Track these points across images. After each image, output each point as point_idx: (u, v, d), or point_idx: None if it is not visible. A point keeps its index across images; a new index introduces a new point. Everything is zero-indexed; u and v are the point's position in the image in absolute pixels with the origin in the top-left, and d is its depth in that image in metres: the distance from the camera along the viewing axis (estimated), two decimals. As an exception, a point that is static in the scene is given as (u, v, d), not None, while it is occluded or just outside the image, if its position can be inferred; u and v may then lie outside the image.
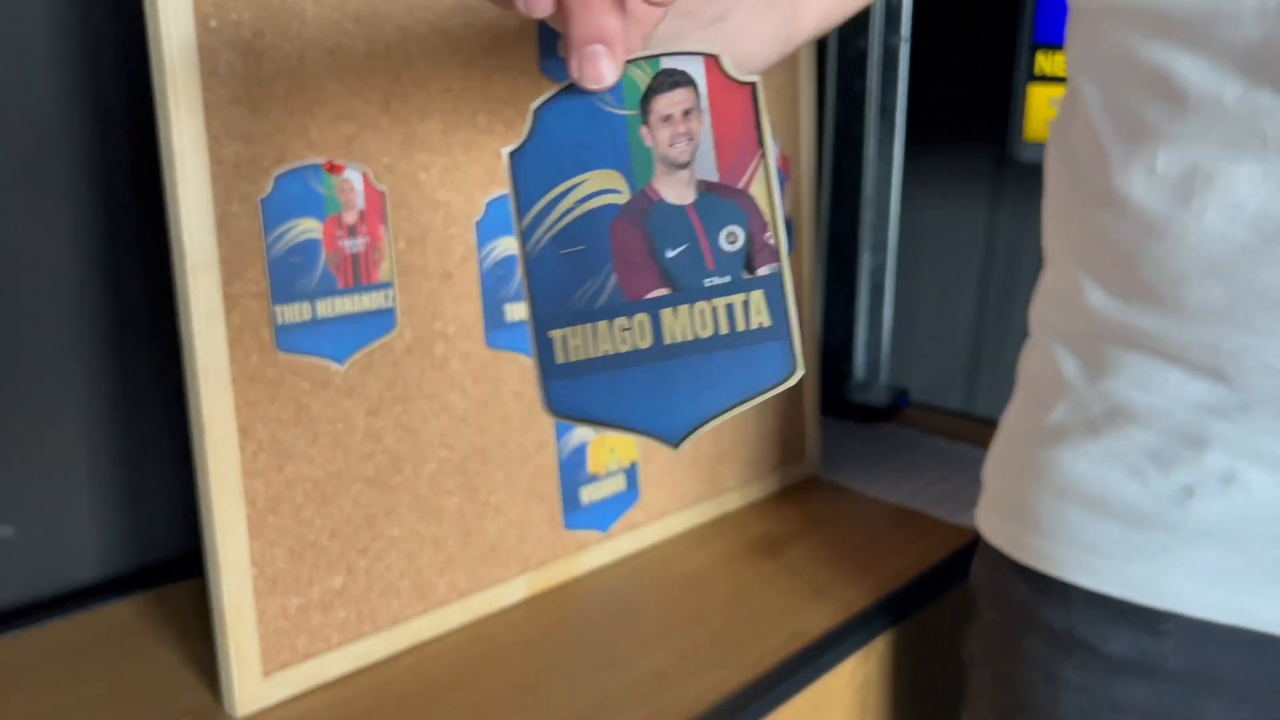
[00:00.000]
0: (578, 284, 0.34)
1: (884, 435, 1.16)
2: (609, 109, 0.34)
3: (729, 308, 0.33)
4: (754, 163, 0.33)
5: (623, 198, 0.34)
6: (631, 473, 0.82)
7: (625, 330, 0.34)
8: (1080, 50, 0.57)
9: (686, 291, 0.33)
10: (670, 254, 0.34)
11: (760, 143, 0.33)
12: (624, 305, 0.33)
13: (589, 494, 0.79)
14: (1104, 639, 0.55)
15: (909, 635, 0.75)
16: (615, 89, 0.34)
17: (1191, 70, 0.49)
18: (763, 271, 0.33)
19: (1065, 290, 0.58)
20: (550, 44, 0.73)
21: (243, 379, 0.59)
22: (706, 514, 0.89)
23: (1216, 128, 0.49)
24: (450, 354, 0.69)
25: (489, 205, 0.70)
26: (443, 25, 0.66)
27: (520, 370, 0.73)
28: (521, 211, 0.34)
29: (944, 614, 0.78)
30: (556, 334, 0.34)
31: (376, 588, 0.67)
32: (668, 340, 0.33)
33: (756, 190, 0.33)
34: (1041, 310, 0.61)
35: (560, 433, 0.77)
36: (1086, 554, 0.55)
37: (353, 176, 0.63)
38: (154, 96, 0.55)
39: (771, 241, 0.33)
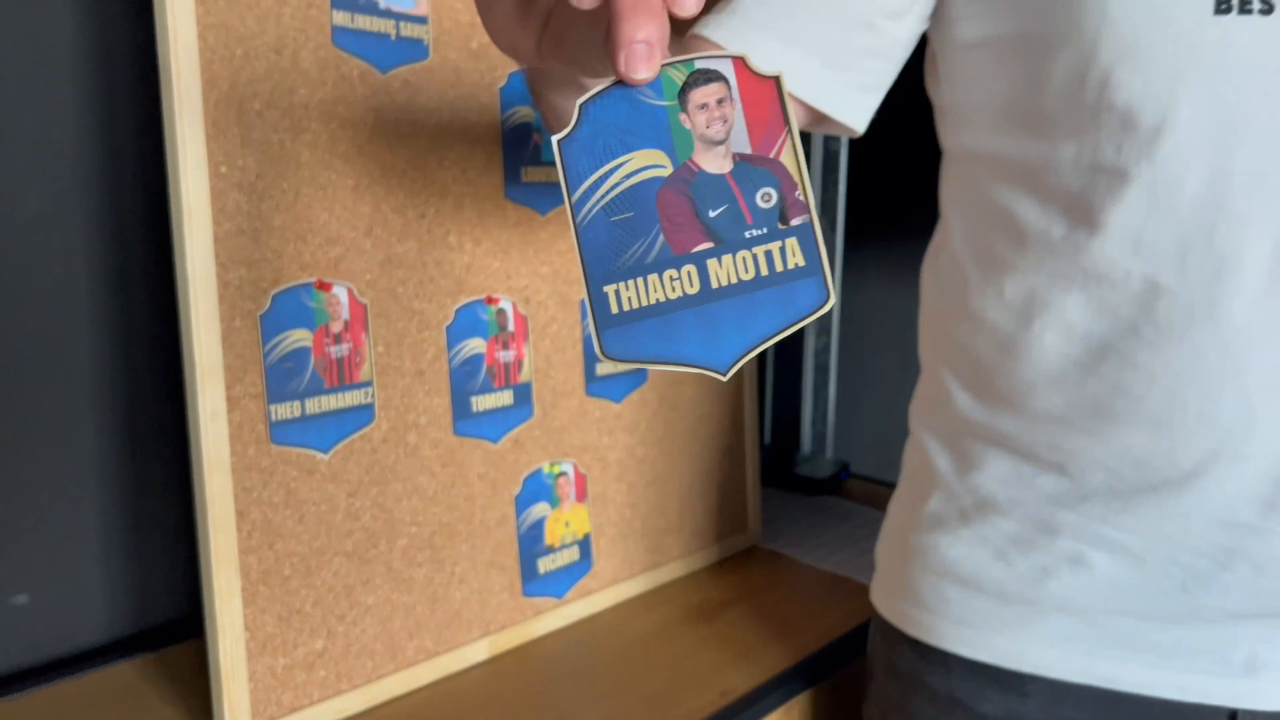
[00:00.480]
0: (628, 245, 0.38)
1: (825, 506, 1.25)
2: (650, 101, 0.38)
3: (768, 253, 0.38)
4: (781, 137, 0.38)
5: (666, 171, 0.38)
6: (585, 544, 0.92)
7: (674, 279, 0.38)
8: (950, 188, 0.69)
9: (729, 243, 0.38)
10: (712, 214, 0.38)
11: (786, 121, 0.38)
12: (672, 259, 0.38)
13: (545, 564, 0.88)
14: (979, 700, 0.65)
15: (825, 694, 0.84)
16: (655, 84, 0.38)
17: (1029, 212, 0.60)
18: (795, 222, 0.37)
19: (937, 394, 0.68)
20: (514, 173, 0.83)
21: (241, 468, 0.68)
22: (654, 581, 0.98)
23: (1049, 262, 0.60)
24: (421, 442, 0.79)
25: (458, 311, 0.81)
26: (419, 161, 0.77)
27: (483, 454, 0.83)
28: (571, 188, 0.38)
29: (857, 675, 0.87)
30: (610, 288, 0.38)
31: (353, 649, 0.75)
32: (714, 285, 0.38)
33: (785, 159, 0.38)
34: (918, 411, 0.71)
35: (519, 509, 0.86)
36: (962, 627, 0.65)
37: (339, 292, 0.73)
38: (171, 232, 0.65)
39: (801, 198, 0.38)
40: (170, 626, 0.87)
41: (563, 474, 0.89)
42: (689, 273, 0.38)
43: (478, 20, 0.80)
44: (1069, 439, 0.61)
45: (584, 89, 0.49)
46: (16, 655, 0.79)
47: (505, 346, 0.84)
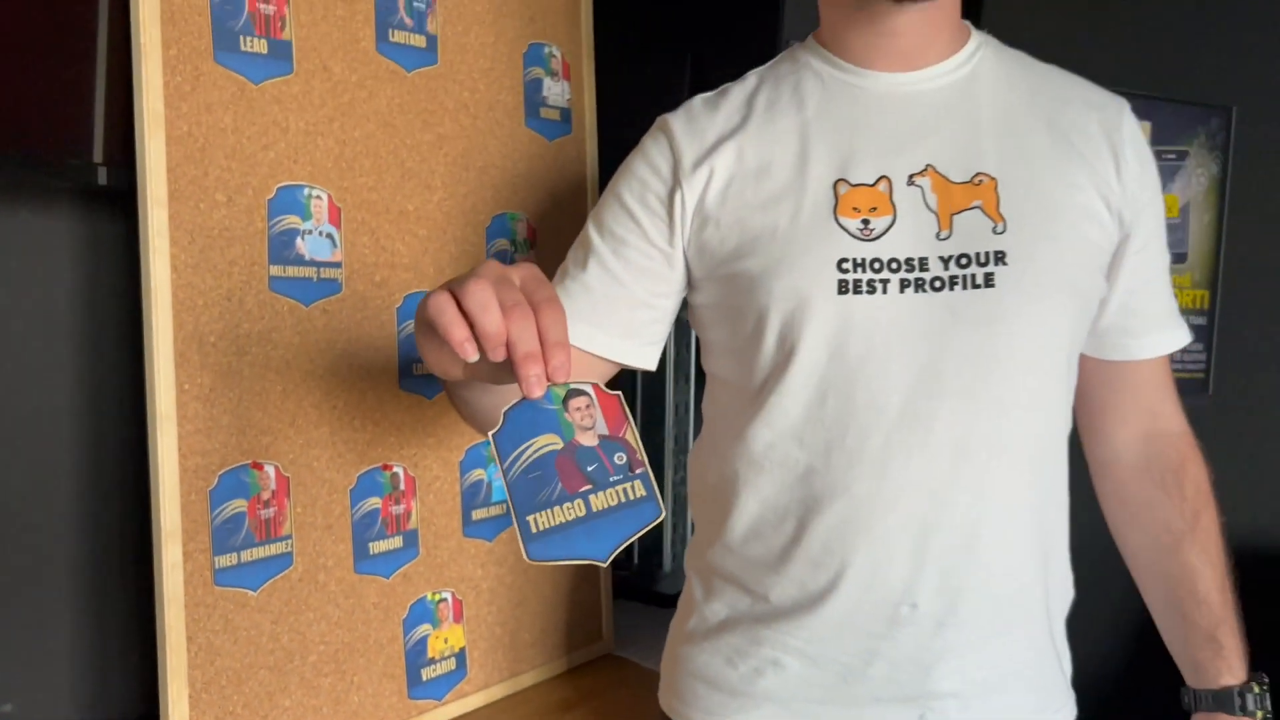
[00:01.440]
0: (540, 490, 0.65)
1: (675, 618, 1.51)
2: (546, 406, 0.66)
3: (623, 490, 0.65)
4: (625, 425, 0.66)
5: (559, 446, 0.65)
6: (461, 656, 1.16)
7: (569, 509, 0.64)
8: (705, 397, 0.98)
9: (600, 485, 0.65)
10: (589, 469, 0.66)
11: (626, 417, 0.67)
12: (568, 496, 0.65)
13: (428, 673, 1.12)
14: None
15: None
16: (547, 396, 0.65)
17: (739, 416, 0.89)
18: (638, 471, 0.66)
19: (698, 541, 0.96)
20: (407, 368, 1.10)
21: (192, 605, 0.92)
22: (518, 685, 1.23)
23: (750, 452, 0.88)
24: (329, 580, 1.03)
25: (359, 477, 1.06)
26: (334, 367, 1.03)
27: (378, 587, 1.08)
28: (503, 460, 0.65)
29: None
30: (530, 517, 0.64)
31: (272, 742, 0.99)
32: (594, 510, 0.65)
33: (628, 436, 0.67)
34: (688, 553, 0.99)
35: (407, 629, 1.11)
36: (707, 716, 0.91)
37: (269, 469, 0.98)
38: (147, 432, 0.91)
39: (639, 458, 0.66)
40: (125, 727, 1.08)
41: (443, 600, 1.14)
42: (578, 504, 0.65)
43: (379, 259, 1.07)
44: (767, 576, 0.88)
45: (488, 390, 0.76)
46: (3, 752, 1.00)
47: (397, 502, 1.10)
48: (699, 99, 0.95)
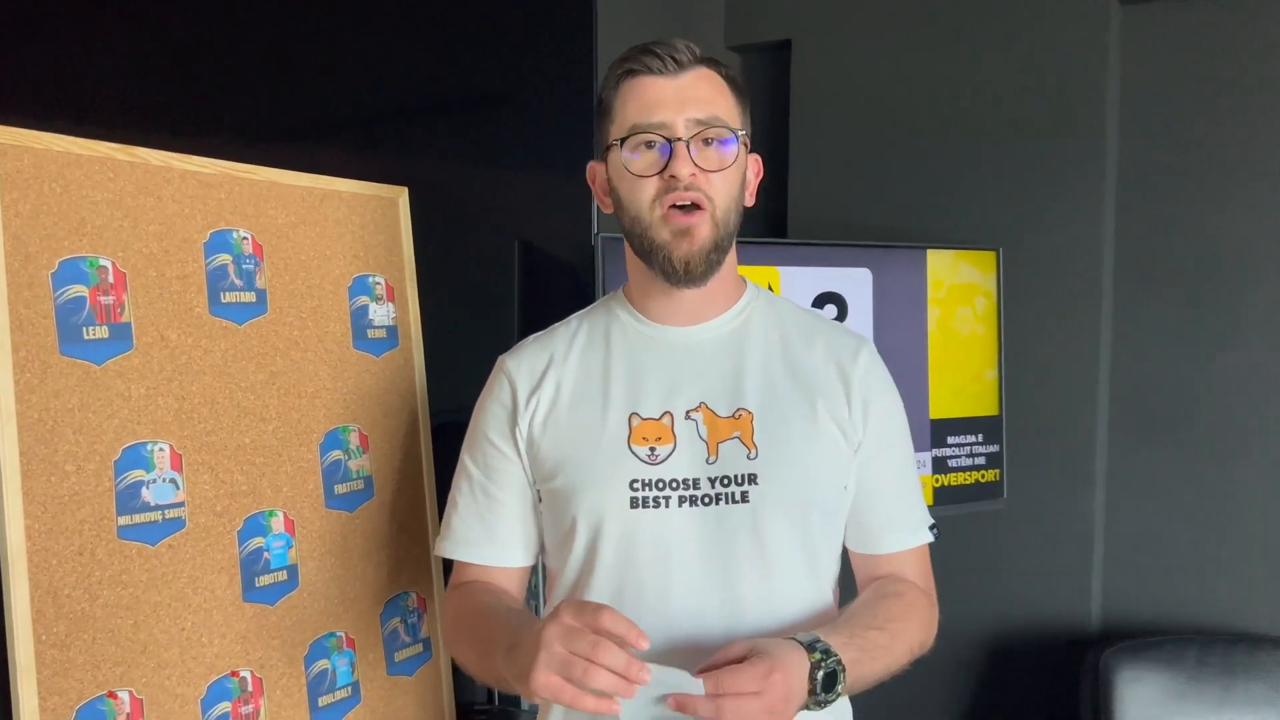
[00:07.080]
0: None
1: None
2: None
3: None
4: None
5: None
6: None
7: None
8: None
9: None
10: None
11: None
12: None
13: None
14: None
15: None
16: None
17: (572, 593, 1.10)
18: None
19: None
20: (250, 583, 1.26)
21: (55, 828, 1.06)
22: None
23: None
24: (184, 783, 1.18)
25: (209, 687, 1.21)
26: (179, 594, 1.19)
27: (232, 782, 1.23)
28: None
29: None
30: None
31: None
32: None
33: None
34: None
35: (261, 816, 1.25)
36: None
37: (123, 695, 1.13)
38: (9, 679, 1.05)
39: None
40: None
41: (294, 782, 1.29)
42: None
43: (219, 492, 1.24)
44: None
45: None
46: None
47: (247, 703, 1.25)
48: (531, 339, 1.20)
